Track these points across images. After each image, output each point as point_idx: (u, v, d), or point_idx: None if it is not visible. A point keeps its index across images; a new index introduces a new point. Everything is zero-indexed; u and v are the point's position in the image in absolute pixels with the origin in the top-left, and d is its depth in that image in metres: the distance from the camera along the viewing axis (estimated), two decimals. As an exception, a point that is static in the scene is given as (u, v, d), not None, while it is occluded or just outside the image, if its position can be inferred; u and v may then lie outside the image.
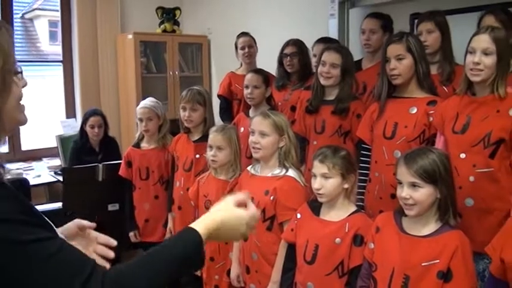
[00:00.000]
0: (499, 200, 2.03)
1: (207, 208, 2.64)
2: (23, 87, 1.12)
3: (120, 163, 3.33)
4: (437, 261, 1.74)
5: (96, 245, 1.35)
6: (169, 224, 3.18)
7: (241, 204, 1.29)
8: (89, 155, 3.77)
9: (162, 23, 5.10)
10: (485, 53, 2.04)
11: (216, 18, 5.09)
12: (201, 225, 1.17)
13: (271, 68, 3.60)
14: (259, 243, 2.37)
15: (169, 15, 5.11)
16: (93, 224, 1.39)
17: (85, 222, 1.39)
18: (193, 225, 1.18)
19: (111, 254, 1.32)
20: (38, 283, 0.96)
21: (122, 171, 3.30)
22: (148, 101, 3.31)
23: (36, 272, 0.95)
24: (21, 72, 1.10)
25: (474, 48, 2.08)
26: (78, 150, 3.84)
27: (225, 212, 1.25)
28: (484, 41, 2.06)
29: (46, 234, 0.99)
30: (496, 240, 1.64)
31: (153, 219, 3.26)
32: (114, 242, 1.35)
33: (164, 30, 5.09)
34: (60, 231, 1.25)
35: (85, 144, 3.84)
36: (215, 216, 1.22)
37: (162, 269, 1.08)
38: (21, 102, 1.11)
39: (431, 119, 2.30)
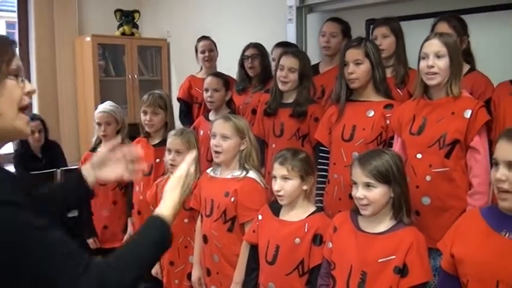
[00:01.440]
0: (455, 198, 2.11)
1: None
2: (29, 93, 1.07)
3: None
4: (393, 257, 1.79)
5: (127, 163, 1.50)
6: (129, 229, 3.15)
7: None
8: (32, 162, 3.68)
9: (120, 25, 5.05)
10: (438, 56, 2.12)
11: (176, 21, 5.07)
12: (163, 209, 1.28)
13: (232, 71, 3.62)
14: (220, 245, 2.38)
15: (128, 17, 5.06)
16: (118, 140, 1.57)
17: (112, 142, 1.54)
18: (157, 211, 1.28)
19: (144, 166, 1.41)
20: (50, 266, 0.99)
21: (79, 177, 3.24)
22: (107, 105, 3.27)
23: (48, 257, 0.99)
24: (17, 75, 1.05)
25: (426, 53, 2.15)
26: (21, 157, 3.74)
27: (173, 185, 1.37)
28: (435, 45, 2.14)
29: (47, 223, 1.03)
30: (447, 236, 1.70)
31: (112, 225, 3.22)
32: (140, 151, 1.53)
33: (123, 33, 5.04)
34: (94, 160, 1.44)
35: (26, 151, 3.74)
36: (171, 196, 1.33)
37: (145, 255, 1.16)
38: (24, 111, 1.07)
39: (387, 121, 2.37)
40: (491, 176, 1.56)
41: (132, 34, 5.10)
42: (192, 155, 1.46)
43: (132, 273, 1.11)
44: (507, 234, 1.51)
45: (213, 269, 2.43)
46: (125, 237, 3.10)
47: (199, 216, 2.54)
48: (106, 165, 1.53)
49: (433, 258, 2.04)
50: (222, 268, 2.39)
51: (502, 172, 1.50)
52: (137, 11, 5.16)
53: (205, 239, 2.44)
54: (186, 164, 1.41)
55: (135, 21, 5.15)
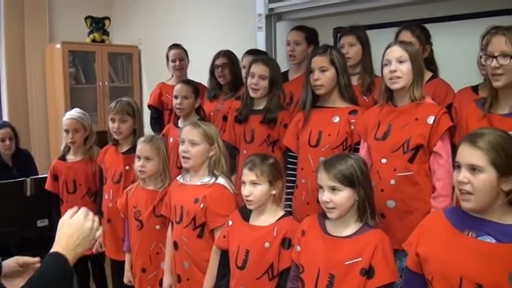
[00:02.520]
0: (419, 201, 2.17)
1: (137, 219, 2.65)
2: None
3: (49, 177, 3.25)
4: (360, 259, 1.83)
5: None
6: (99, 238, 3.13)
7: None
8: (2, 171, 3.62)
9: (91, 32, 5.04)
10: (400, 61, 2.19)
11: (147, 29, 5.08)
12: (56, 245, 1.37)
13: (202, 78, 3.65)
14: (190, 251, 2.39)
15: (98, 24, 5.06)
16: (37, 259, 1.46)
17: (27, 259, 1.46)
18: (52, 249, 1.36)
19: None
20: None
21: (48, 185, 3.22)
22: (75, 112, 3.26)
23: None
24: None
25: (389, 59, 2.23)
26: None
27: (63, 229, 1.45)
28: (396, 51, 2.22)
29: None
30: (412, 236, 1.75)
31: (83, 234, 3.19)
32: None
33: (93, 40, 5.03)
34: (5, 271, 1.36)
35: None
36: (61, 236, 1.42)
37: None
38: None
39: (352, 127, 2.43)
40: (454, 179, 1.61)
41: (103, 41, 5.08)
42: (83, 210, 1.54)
43: None
44: (470, 233, 1.57)
45: (183, 275, 2.44)
46: (95, 248, 3.09)
47: (170, 223, 2.55)
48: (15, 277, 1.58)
49: (399, 259, 2.09)
50: (193, 274, 2.40)
51: (464, 175, 1.56)
52: (108, 18, 5.15)
53: (175, 245, 2.45)
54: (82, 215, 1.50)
55: (105, 28, 5.14)
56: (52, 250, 1.36)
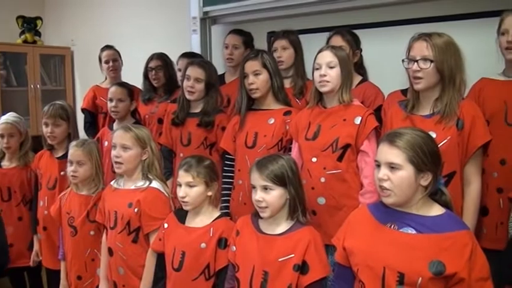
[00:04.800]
0: (348, 197, 2.26)
1: (71, 225, 2.60)
2: None
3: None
4: (292, 255, 1.90)
5: None
6: (35, 247, 3.04)
7: None
8: None
9: (22, 33, 4.88)
10: (330, 66, 2.29)
11: (80, 29, 4.98)
12: None
13: (137, 80, 3.62)
14: (125, 257, 2.38)
15: (30, 25, 4.91)
16: None
17: None
18: None
19: None
20: None
21: (-19, 193, 3.09)
22: (10, 116, 3.16)
23: None
24: None
25: (319, 63, 2.32)
26: None
27: None
28: (326, 56, 2.31)
29: None
30: (340, 232, 1.83)
31: (18, 242, 3.07)
32: None
33: (25, 41, 4.87)
34: None
35: None
36: None
37: None
38: None
39: (287, 127, 2.50)
40: (375, 176, 1.71)
41: (35, 42, 4.93)
42: None
43: None
44: (392, 226, 1.66)
45: (119, 281, 2.42)
46: (31, 259, 2.99)
47: (104, 229, 2.52)
48: None
49: (330, 254, 2.16)
50: (128, 280, 2.38)
51: (383, 172, 1.65)
52: (40, 18, 5.00)
53: (110, 251, 2.43)
54: None
55: (37, 28, 4.98)
56: None
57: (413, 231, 1.62)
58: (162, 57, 3.52)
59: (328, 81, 2.29)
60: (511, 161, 2.23)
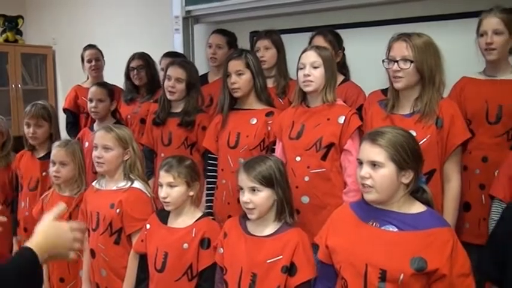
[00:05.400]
0: (331, 196, 2.27)
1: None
2: None
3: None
4: (280, 257, 1.90)
5: None
6: (15, 249, 3.00)
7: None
8: None
9: (3, 32, 4.82)
10: (314, 66, 2.30)
11: (62, 28, 4.93)
12: (32, 242, 1.27)
13: (120, 80, 3.60)
14: (107, 258, 2.36)
15: (11, 23, 4.86)
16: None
17: None
18: (27, 243, 1.25)
19: None
20: None
21: (-39, 194, 3.05)
22: None
23: None
24: None
25: (304, 63, 2.33)
26: None
27: (45, 226, 1.35)
28: (311, 56, 2.32)
29: None
30: (322, 230, 1.84)
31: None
32: None
33: (6, 40, 4.82)
34: None
35: None
36: (40, 231, 1.31)
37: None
38: None
39: (269, 128, 2.51)
40: (357, 174, 1.72)
41: (16, 41, 4.88)
42: (60, 207, 1.45)
43: None
44: (374, 224, 1.68)
45: (101, 283, 2.40)
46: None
47: (87, 231, 2.48)
48: None
49: (314, 252, 2.18)
50: (111, 282, 2.37)
51: (365, 170, 1.67)
52: (21, 17, 4.95)
53: (92, 253, 2.41)
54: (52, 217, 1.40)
55: (18, 27, 4.93)
56: (27, 244, 1.27)
57: (395, 229, 1.64)
58: (143, 57, 3.51)
59: (311, 81, 2.30)
60: (493, 158, 2.28)
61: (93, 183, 2.54)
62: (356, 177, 2.18)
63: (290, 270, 1.90)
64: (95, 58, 3.85)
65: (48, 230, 1.34)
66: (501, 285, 1.75)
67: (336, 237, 1.75)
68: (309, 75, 2.30)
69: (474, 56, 2.41)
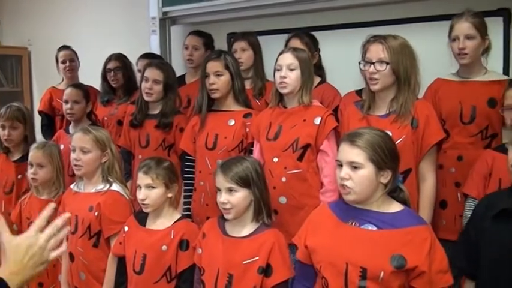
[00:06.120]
0: (308, 196, 2.29)
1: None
2: None
3: None
4: (257, 258, 1.91)
5: None
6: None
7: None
8: None
9: (-21, 33, 4.74)
10: (290, 68, 2.32)
11: (37, 29, 4.86)
12: (4, 272, 1.17)
13: (95, 81, 3.57)
14: (86, 262, 2.34)
15: (-14, 24, 4.76)
16: None
17: None
18: None
19: None
20: None
21: None
22: None
23: None
24: None
25: (280, 65, 2.35)
26: None
27: (15, 248, 1.21)
28: (287, 58, 2.34)
29: None
30: (301, 230, 1.85)
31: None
32: None
33: (-19, 41, 4.73)
34: None
35: None
36: (10, 258, 1.20)
37: None
38: None
39: (247, 129, 2.52)
40: (336, 175, 1.74)
41: (-9, 42, 4.80)
42: (48, 210, 1.30)
43: None
44: (353, 223, 1.70)
45: (81, 287, 2.37)
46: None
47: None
48: None
49: (292, 253, 2.20)
50: (90, 285, 2.35)
51: (345, 171, 1.68)
52: (-4, 18, 4.87)
53: (71, 257, 2.38)
54: (35, 231, 1.24)
55: (-7, 28, 4.85)
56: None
57: (374, 228, 1.66)
58: (120, 58, 3.48)
59: (288, 83, 2.32)
60: (468, 157, 2.34)
61: (72, 186, 2.51)
62: (333, 177, 2.24)
63: (266, 271, 1.91)
64: (69, 59, 3.81)
65: (17, 253, 1.20)
66: (475, 279, 1.80)
67: (315, 237, 1.77)
68: (285, 77, 2.32)
69: (448, 57, 2.46)
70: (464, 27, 2.34)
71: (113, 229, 2.31)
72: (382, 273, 1.59)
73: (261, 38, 3.08)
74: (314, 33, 2.97)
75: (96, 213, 2.31)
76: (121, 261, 2.25)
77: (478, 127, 2.36)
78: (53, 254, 1.25)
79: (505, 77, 2.43)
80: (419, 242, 1.61)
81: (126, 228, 2.25)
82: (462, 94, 2.38)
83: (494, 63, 2.49)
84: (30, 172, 2.56)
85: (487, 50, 2.40)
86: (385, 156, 1.67)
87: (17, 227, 2.64)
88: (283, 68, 2.33)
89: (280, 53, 2.40)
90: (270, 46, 2.95)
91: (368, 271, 1.60)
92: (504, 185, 2.05)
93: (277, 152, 2.33)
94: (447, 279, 1.63)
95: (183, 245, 2.13)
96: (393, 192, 1.74)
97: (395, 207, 1.71)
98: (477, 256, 1.75)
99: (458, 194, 2.35)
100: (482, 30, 2.34)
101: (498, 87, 2.27)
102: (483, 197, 2.01)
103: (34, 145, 2.64)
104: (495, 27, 2.44)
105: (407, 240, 1.61)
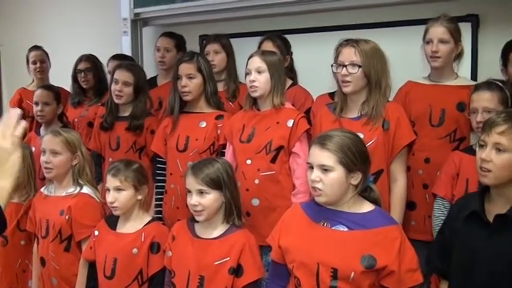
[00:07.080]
0: (281, 198, 2.30)
1: (1, 235, 2.48)
2: None
3: None
4: (228, 258, 1.91)
5: None
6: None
7: None
8: None
9: None
10: (258, 71, 2.33)
11: (8, 30, 4.77)
12: None
13: (66, 82, 3.51)
14: (57, 267, 2.30)
15: (-44, 24, 4.64)
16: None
17: None
18: None
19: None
20: None
21: None
22: None
23: None
24: None
25: (249, 69, 2.36)
26: None
27: None
28: (256, 61, 2.36)
29: None
30: (275, 231, 1.86)
31: None
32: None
33: (-50, 41, 4.60)
34: None
35: None
36: None
37: None
38: None
39: (219, 131, 2.51)
40: (308, 178, 1.75)
41: (-41, 42, 4.68)
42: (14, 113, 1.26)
43: None
44: (325, 224, 1.72)
45: (52, 293, 2.33)
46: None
47: (36, 239, 2.42)
48: None
49: (265, 254, 2.20)
50: (62, 290, 2.31)
51: (316, 174, 1.69)
52: (-34, 18, 4.75)
53: (42, 261, 2.34)
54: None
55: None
56: None
57: (345, 229, 1.68)
58: (91, 59, 3.44)
59: (257, 86, 2.33)
60: (435, 159, 2.37)
61: (42, 189, 2.46)
62: (304, 179, 2.26)
63: (237, 271, 1.92)
64: (39, 60, 3.74)
65: None
66: (447, 277, 1.82)
67: (288, 238, 1.78)
68: (254, 81, 2.33)
69: (419, 61, 2.50)
70: (438, 31, 2.38)
71: (84, 233, 2.28)
72: (352, 273, 1.60)
73: (233, 41, 3.08)
74: (286, 36, 2.98)
75: (67, 217, 2.28)
76: (92, 266, 2.21)
77: (446, 130, 2.40)
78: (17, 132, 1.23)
79: (474, 83, 2.47)
80: (389, 242, 1.63)
81: (96, 233, 2.22)
82: (432, 97, 2.41)
83: (462, 68, 2.54)
84: None
85: (459, 56, 2.45)
86: (355, 158, 1.68)
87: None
88: (252, 71, 2.34)
89: (250, 57, 2.41)
90: (243, 48, 2.94)
91: (339, 271, 1.62)
92: (471, 185, 2.10)
93: (251, 154, 2.33)
94: (416, 277, 1.66)
95: (154, 247, 2.11)
96: (364, 192, 1.76)
97: (367, 207, 1.73)
98: (450, 256, 1.78)
99: (427, 196, 2.39)
100: (456, 36, 2.39)
101: (467, 91, 2.31)
102: (459, 197, 2.04)
103: None
104: (464, 33, 2.48)
105: (378, 240, 1.63)
